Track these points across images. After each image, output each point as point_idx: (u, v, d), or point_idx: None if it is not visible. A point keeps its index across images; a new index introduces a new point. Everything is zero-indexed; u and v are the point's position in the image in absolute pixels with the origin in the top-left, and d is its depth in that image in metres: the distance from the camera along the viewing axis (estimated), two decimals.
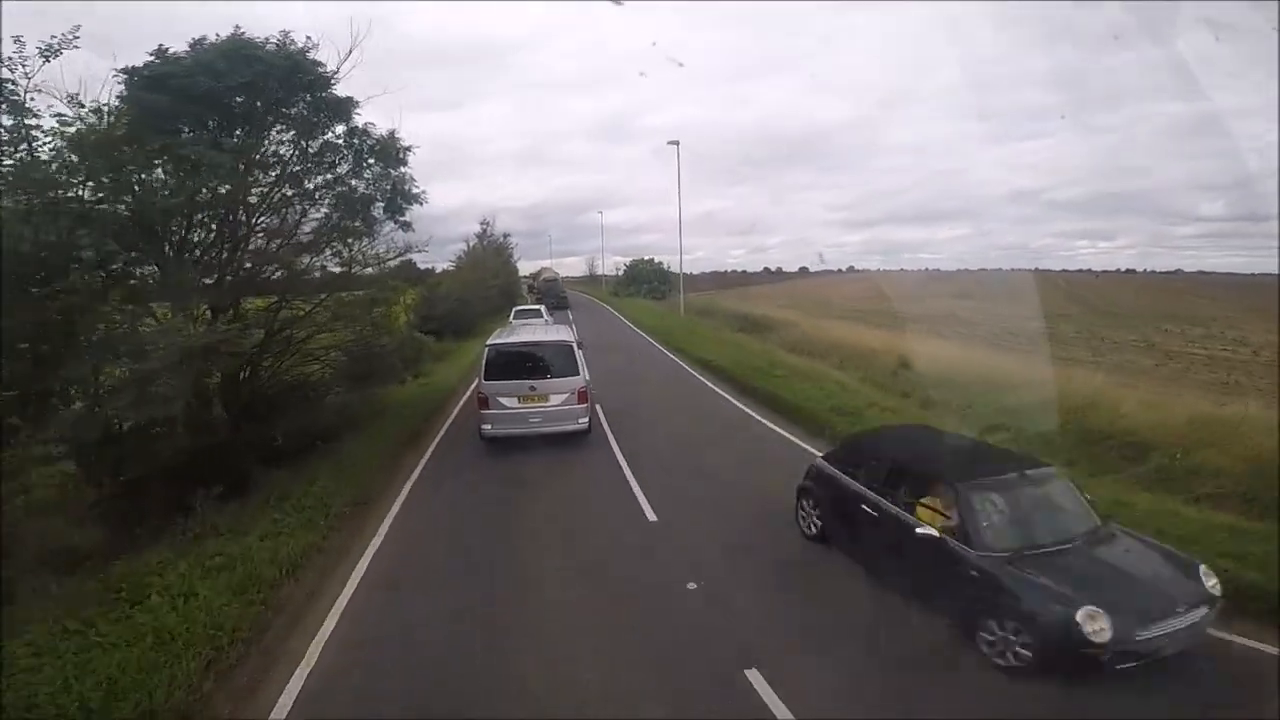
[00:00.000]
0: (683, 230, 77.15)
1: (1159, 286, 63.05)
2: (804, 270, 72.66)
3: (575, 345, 10.91)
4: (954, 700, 4.42)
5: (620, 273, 66.71)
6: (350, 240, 11.68)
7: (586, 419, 10.63)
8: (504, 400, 10.30)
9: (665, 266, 59.86)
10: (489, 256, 46.41)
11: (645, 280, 59.57)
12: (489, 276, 40.37)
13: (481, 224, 49.21)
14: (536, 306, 28.89)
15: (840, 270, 76.48)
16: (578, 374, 10.46)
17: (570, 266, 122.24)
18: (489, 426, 10.39)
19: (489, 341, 11.03)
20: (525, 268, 61.77)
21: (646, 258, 63.12)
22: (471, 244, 47.58)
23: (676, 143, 30.94)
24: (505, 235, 51.60)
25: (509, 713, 4.35)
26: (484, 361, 10.51)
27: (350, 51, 10.28)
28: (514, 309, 29.41)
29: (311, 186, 11.19)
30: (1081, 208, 79.08)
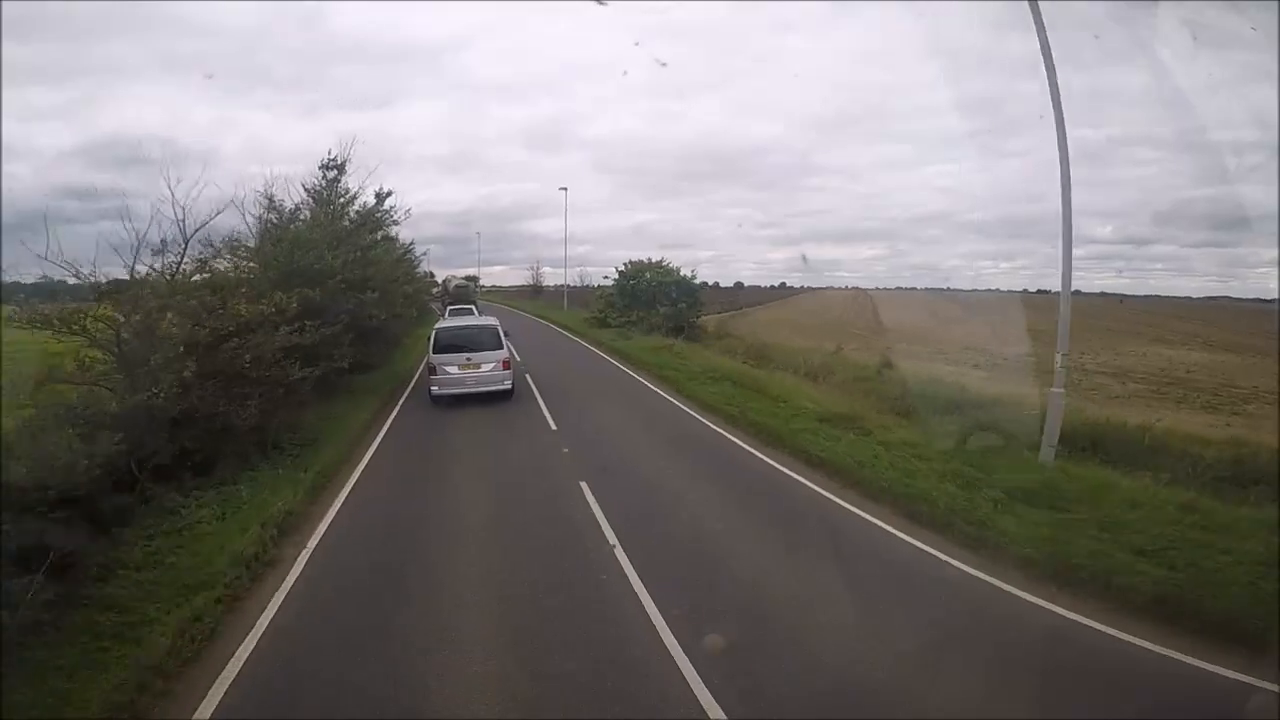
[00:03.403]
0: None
1: (1162, 312, 60.34)
2: (739, 285, 68.46)
3: (500, 329, 14.61)
4: None
5: (606, 284, 35.45)
6: None
7: (510, 382, 14.15)
8: (448, 368, 13.79)
9: (690, 276, 31.34)
10: (314, 237, 13.30)
11: (655, 299, 29.72)
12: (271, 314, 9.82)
13: (324, 165, 16.47)
14: (468, 306, 33.30)
15: (772, 287, 74.20)
16: (502, 349, 14.20)
17: (498, 276, 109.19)
18: (436, 388, 13.90)
19: (436, 326, 15.37)
20: (446, 276, 54.27)
21: (654, 259, 31.82)
22: (290, 207, 15.68)
23: None
24: (383, 194, 18.74)
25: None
26: (432, 340, 14.18)
27: None
28: (447, 308, 32.93)
29: None
30: (985, 230, 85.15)
